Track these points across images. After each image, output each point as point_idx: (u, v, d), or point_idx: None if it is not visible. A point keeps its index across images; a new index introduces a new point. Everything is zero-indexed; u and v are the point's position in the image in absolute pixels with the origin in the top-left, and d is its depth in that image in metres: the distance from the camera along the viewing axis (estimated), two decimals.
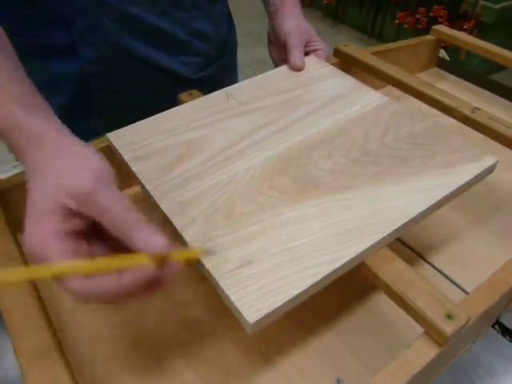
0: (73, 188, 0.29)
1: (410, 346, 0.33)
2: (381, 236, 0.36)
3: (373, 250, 0.36)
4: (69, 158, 0.31)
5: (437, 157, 0.43)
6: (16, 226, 0.49)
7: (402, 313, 0.36)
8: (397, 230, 0.37)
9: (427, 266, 0.48)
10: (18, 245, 0.43)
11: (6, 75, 0.34)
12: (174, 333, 0.42)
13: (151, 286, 0.29)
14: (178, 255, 0.30)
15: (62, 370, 0.31)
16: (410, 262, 0.41)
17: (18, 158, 0.33)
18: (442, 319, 0.33)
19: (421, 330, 0.35)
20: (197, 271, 0.46)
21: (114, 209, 0.29)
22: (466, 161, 0.43)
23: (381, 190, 0.39)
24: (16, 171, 0.53)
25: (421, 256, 0.49)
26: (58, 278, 0.28)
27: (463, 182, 0.41)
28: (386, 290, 0.36)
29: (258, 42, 2.05)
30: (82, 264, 0.28)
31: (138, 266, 0.28)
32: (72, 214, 0.29)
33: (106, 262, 0.29)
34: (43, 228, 0.28)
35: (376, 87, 0.53)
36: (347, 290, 0.44)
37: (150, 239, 0.28)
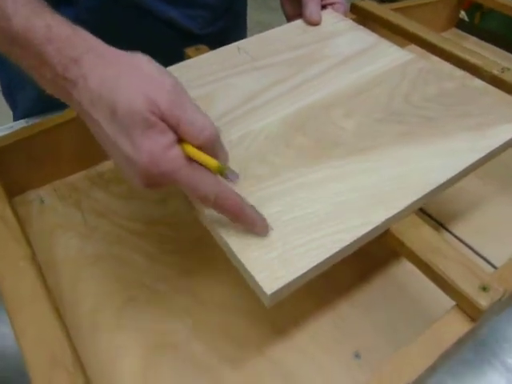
0: (160, 100, 0.28)
1: (439, 319, 0.31)
2: (410, 201, 0.33)
3: (400, 216, 0.33)
4: (140, 71, 0.29)
5: (468, 118, 0.39)
6: (11, 188, 0.46)
7: (425, 283, 0.34)
8: (427, 195, 0.33)
9: (449, 236, 0.45)
10: (14, 209, 0.40)
11: None
12: (181, 301, 0.40)
13: None
14: None
15: (62, 342, 0.29)
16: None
17: (56, 71, 0.28)
18: (476, 291, 0.30)
19: (447, 301, 0.32)
20: (203, 240, 0.43)
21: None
22: (500, 123, 0.39)
23: (408, 152, 0.36)
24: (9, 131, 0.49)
25: (442, 226, 0.46)
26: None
27: (498, 145, 0.37)
28: (412, 259, 0.33)
29: (263, 4, 1.97)
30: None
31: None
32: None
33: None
34: (160, 142, 0.27)
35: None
36: (365, 259, 0.41)
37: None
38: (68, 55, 0.28)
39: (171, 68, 0.44)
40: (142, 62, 0.29)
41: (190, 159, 0.28)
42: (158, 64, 0.30)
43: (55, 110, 0.59)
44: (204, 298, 0.40)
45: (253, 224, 0.30)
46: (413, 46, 0.60)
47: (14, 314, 0.29)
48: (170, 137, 0.28)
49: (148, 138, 0.27)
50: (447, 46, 0.54)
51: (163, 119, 0.28)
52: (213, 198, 0.29)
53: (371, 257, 0.42)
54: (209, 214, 0.32)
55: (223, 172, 0.29)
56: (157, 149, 0.27)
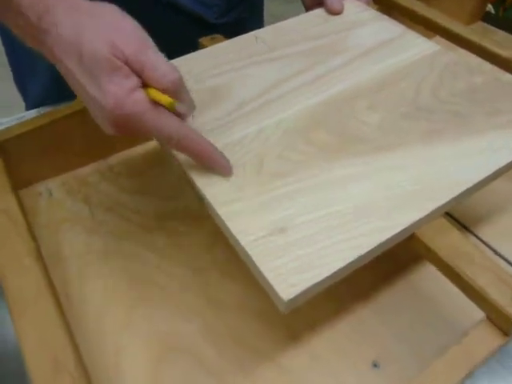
0: (124, 45, 0.29)
1: (468, 334, 0.29)
2: (439, 203, 0.30)
3: (428, 219, 0.30)
4: (107, 19, 0.30)
5: (499, 115, 0.37)
6: (19, 180, 0.45)
7: (451, 289, 0.32)
8: (456, 197, 0.31)
9: (474, 240, 0.43)
10: (20, 201, 0.38)
11: None
12: (192, 301, 0.38)
13: None
14: None
15: (65, 346, 0.27)
16: None
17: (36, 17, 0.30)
18: (509, 301, 0.28)
19: (474, 309, 0.30)
20: (215, 236, 0.42)
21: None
22: None
23: (437, 150, 0.34)
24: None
25: (467, 229, 0.44)
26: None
27: None
28: (439, 265, 0.31)
29: None
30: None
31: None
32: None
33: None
34: (124, 86, 0.29)
35: None
36: (387, 261, 0.39)
37: None
38: (42, 5, 0.29)
39: (186, 57, 0.43)
40: (110, 10, 0.30)
41: (155, 103, 0.29)
42: (124, 13, 0.31)
43: (67, 99, 0.57)
44: (216, 298, 0.38)
45: (216, 164, 0.32)
46: (438, 38, 0.57)
47: (17, 316, 0.28)
48: (134, 81, 0.29)
49: (113, 83, 0.28)
50: (476, 39, 0.51)
51: (127, 64, 0.29)
52: (176, 139, 0.30)
53: (393, 259, 0.39)
54: (221, 211, 0.30)
55: (173, 107, 0.30)
56: (121, 92, 0.28)
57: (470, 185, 0.31)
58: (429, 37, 0.61)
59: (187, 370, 0.34)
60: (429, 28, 0.55)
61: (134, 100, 0.29)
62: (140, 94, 0.29)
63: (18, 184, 0.45)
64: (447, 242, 0.31)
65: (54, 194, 0.47)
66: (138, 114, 0.29)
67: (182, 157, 0.33)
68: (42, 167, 0.47)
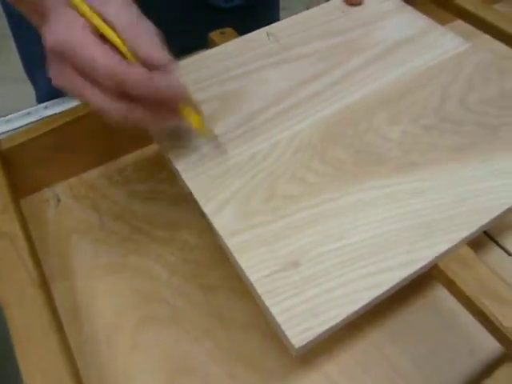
0: None
1: (490, 375, 0.27)
2: (466, 233, 0.28)
3: (454, 249, 0.28)
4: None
5: None
6: (23, 187, 0.43)
7: None
8: (488, 223, 0.28)
9: (500, 252, 0.40)
10: (23, 217, 0.37)
11: None
12: (200, 320, 0.37)
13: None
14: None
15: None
16: (479, 246, 0.33)
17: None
18: None
19: None
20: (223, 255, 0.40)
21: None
22: None
23: (465, 170, 0.31)
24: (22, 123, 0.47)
25: (492, 239, 0.41)
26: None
27: None
28: (464, 302, 0.29)
29: None
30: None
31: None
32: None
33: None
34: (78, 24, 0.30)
35: (440, 21, 0.42)
36: None
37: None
38: None
39: (192, 59, 0.40)
40: None
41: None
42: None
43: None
44: (226, 318, 0.37)
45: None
46: (459, 22, 0.52)
47: (22, 356, 0.27)
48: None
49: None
50: (503, 25, 0.47)
51: None
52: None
53: None
54: (231, 242, 0.28)
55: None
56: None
57: (503, 209, 0.29)
58: (450, 21, 0.57)
59: None
60: (448, 10, 0.50)
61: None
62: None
63: (24, 191, 0.44)
64: (473, 276, 0.28)
65: (61, 199, 0.46)
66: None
67: (190, 182, 0.31)
68: (49, 172, 0.46)
